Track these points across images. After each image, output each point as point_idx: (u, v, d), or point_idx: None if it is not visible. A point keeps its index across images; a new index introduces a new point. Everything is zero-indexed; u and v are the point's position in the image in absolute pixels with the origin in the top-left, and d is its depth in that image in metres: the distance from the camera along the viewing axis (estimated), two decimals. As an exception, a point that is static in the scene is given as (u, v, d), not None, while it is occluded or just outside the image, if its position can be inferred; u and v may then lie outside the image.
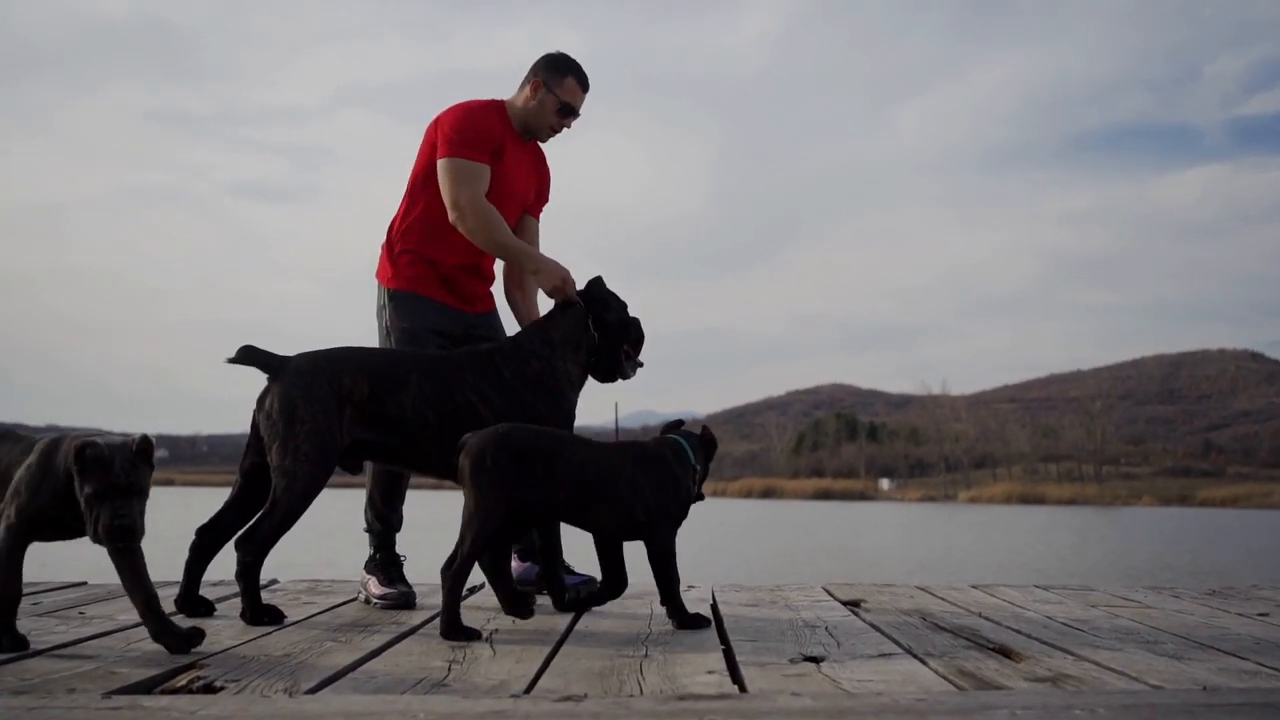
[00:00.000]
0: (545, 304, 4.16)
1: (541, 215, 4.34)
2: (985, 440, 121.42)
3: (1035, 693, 2.26)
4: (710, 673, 2.53)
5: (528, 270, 3.99)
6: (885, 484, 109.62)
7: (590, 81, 4.17)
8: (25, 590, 4.09)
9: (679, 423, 3.70)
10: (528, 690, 2.32)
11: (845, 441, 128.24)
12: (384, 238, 4.12)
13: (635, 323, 3.96)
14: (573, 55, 4.16)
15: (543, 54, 4.14)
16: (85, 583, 4.49)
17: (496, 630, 3.22)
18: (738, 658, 2.75)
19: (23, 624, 3.25)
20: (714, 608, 3.80)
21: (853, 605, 3.87)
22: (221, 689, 2.31)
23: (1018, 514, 55.90)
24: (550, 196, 4.35)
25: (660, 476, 3.36)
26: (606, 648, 2.91)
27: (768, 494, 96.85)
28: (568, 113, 4.13)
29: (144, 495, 2.62)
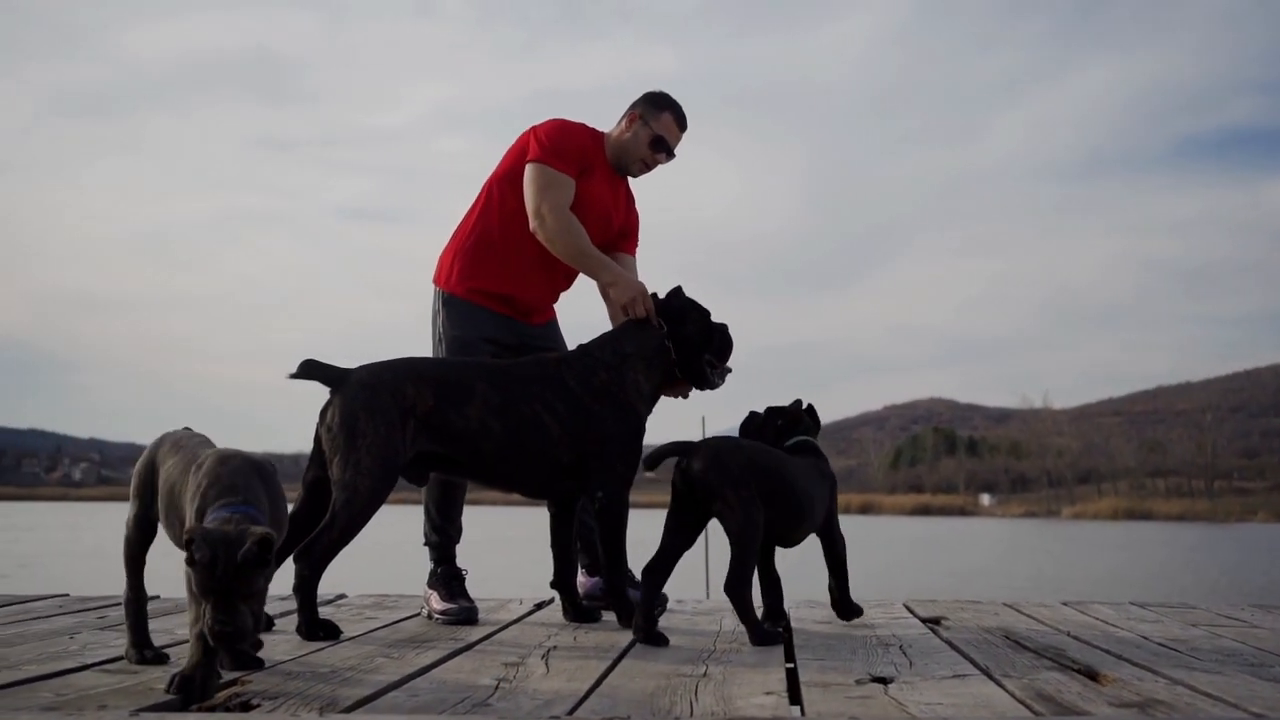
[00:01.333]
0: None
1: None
2: (1089, 455, 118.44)
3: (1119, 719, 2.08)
4: (768, 694, 2.38)
5: (604, 283, 3.90)
6: (986, 499, 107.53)
7: (688, 122, 4.13)
8: (96, 604, 4.12)
9: (798, 403, 3.79)
10: (572, 711, 2.20)
11: (944, 456, 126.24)
12: (449, 239, 4.07)
13: (720, 331, 3.80)
14: (670, 92, 4.13)
15: (644, 91, 4.12)
16: (158, 596, 4.48)
17: (555, 647, 3.11)
18: (801, 677, 2.60)
19: (83, 636, 3.25)
20: (785, 624, 3.64)
21: (932, 622, 3.69)
22: (256, 706, 2.23)
23: (1124, 530, 54.30)
24: (639, 240, 4.27)
25: (832, 487, 3.60)
26: (665, 665, 2.78)
27: (865, 510, 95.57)
28: (661, 147, 4.06)
29: (254, 598, 2.29)
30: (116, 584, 3.63)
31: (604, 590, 3.74)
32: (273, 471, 2.55)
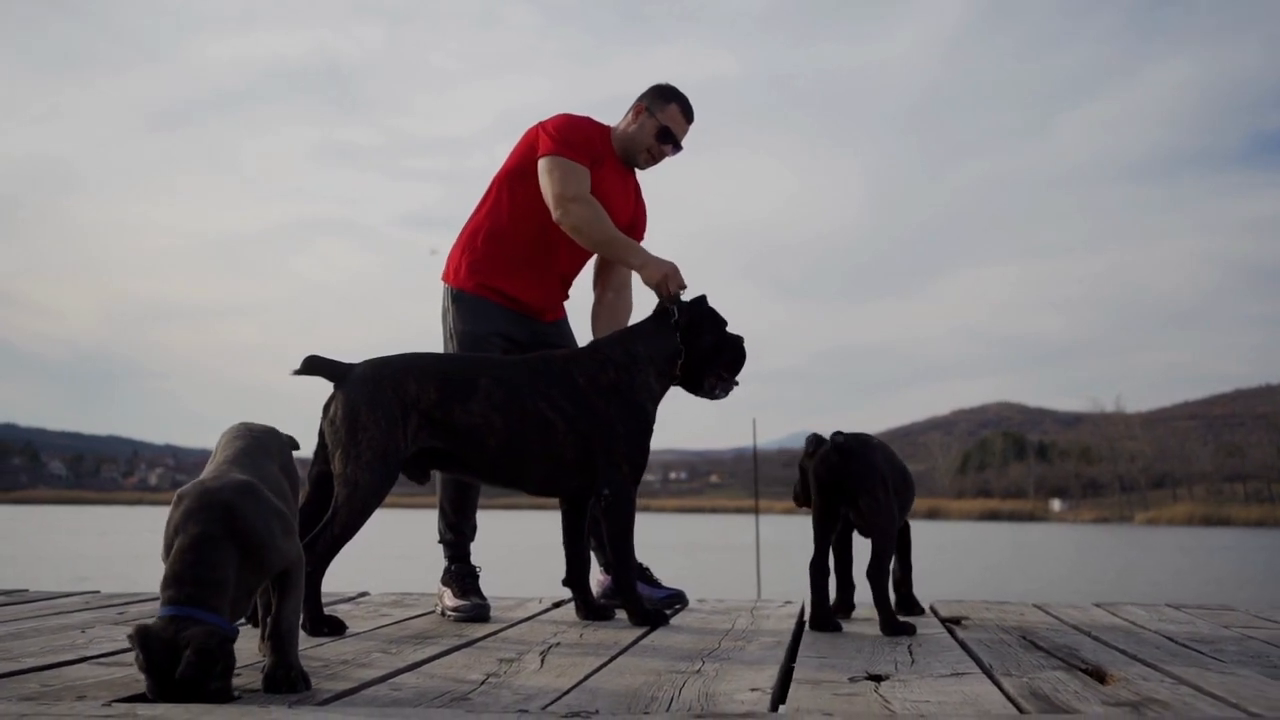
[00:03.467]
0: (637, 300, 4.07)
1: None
2: (1164, 459, 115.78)
3: (1101, 718, 1.99)
4: (753, 690, 2.33)
5: (634, 265, 3.85)
6: (1056, 504, 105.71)
7: (695, 115, 4.10)
8: (120, 601, 4.17)
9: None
10: (546, 706, 2.16)
11: (1013, 461, 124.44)
12: (458, 236, 4.05)
13: (734, 343, 3.76)
14: (684, 85, 4.11)
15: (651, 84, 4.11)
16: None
17: (558, 644, 3.07)
18: (796, 674, 2.54)
19: (95, 631, 3.28)
20: (801, 622, 3.58)
21: (952, 622, 3.60)
22: (238, 698, 2.22)
23: (1198, 536, 53.06)
24: (645, 233, 4.24)
25: None
26: (662, 661, 2.74)
27: (932, 515, 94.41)
28: (667, 138, 4.03)
29: (217, 690, 2.12)
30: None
31: (611, 590, 3.71)
32: (255, 492, 2.29)
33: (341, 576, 4.45)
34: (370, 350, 3.51)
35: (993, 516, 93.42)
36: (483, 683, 2.43)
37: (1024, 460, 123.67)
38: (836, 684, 2.41)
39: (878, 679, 2.47)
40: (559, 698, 2.24)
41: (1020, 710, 2.09)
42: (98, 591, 4.60)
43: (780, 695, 2.31)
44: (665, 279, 3.75)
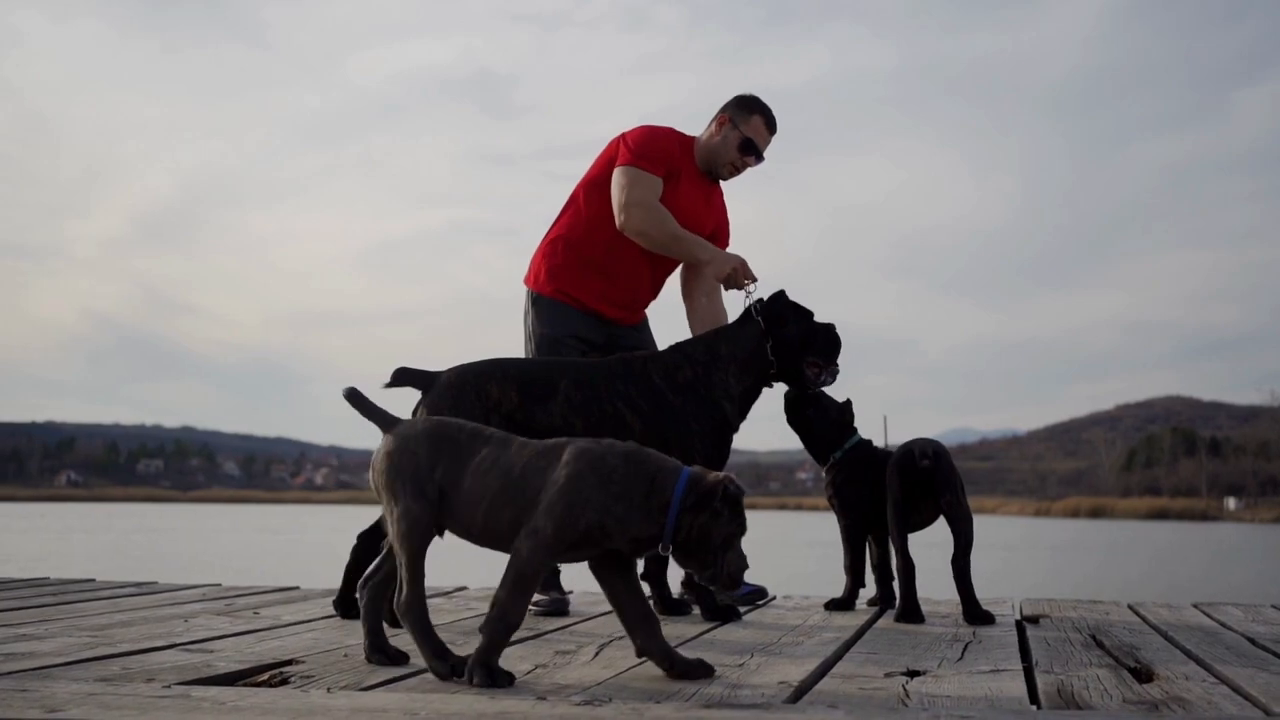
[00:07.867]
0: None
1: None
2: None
3: (1110, 715, 1.97)
4: (781, 683, 2.37)
5: (702, 260, 3.91)
6: (1232, 503, 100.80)
7: (778, 126, 4.14)
8: (233, 594, 4.41)
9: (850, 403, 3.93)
10: (571, 695, 2.24)
11: (1183, 457, 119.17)
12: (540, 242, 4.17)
13: (824, 331, 3.77)
14: (763, 96, 4.14)
15: (734, 95, 4.14)
16: (298, 588, 4.76)
17: (621, 637, 3.14)
18: (836, 669, 2.57)
19: (198, 620, 3.50)
20: (873, 619, 3.59)
21: (1029, 620, 3.55)
22: (288, 684, 2.37)
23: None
24: (731, 240, 4.28)
25: None
26: (712, 655, 2.78)
27: (1096, 514, 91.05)
28: (750, 150, 4.06)
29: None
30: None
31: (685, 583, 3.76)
32: None
33: (445, 571, 4.61)
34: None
35: (1161, 515, 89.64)
36: (528, 674, 2.52)
37: (1195, 457, 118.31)
38: (869, 678, 2.43)
39: (914, 674, 2.48)
40: (588, 688, 2.32)
41: (1037, 706, 2.08)
42: (218, 584, 4.88)
43: (810, 688, 2.34)
44: (735, 272, 3.79)
